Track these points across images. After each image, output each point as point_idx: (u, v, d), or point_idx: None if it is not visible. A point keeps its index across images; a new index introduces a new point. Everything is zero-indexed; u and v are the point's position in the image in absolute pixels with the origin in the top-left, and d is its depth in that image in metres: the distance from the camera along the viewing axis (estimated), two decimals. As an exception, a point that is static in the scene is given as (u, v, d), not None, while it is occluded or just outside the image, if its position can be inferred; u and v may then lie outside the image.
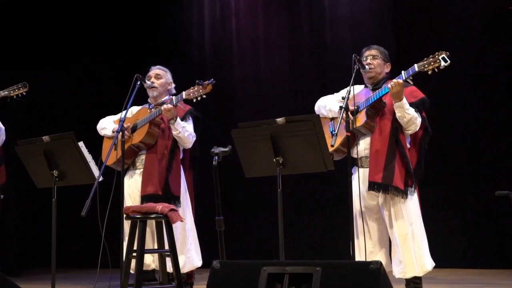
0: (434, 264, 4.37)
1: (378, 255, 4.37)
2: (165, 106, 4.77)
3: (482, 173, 6.53)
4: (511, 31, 6.53)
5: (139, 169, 4.95)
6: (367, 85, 4.55)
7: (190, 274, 5.04)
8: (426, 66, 4.17)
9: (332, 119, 4.53)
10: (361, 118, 4.31)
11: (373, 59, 4.48)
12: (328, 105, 4.55)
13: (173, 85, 5.14)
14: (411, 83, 4.36)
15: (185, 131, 4.86)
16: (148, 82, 5.00)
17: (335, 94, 4.63)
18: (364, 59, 4.49)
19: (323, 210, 6.93)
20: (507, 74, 6.56)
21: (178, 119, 4.84)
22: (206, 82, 4.65)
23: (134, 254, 4.18)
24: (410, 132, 4.36)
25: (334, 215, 6.73)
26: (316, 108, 4.64)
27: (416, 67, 4.20)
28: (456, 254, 6.59)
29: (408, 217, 4.30)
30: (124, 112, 4.47)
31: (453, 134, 6.69)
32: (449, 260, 6.39)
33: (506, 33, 6.55)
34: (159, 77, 5.06)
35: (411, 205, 4.33)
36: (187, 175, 5.05)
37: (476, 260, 6.53)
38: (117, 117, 5.01)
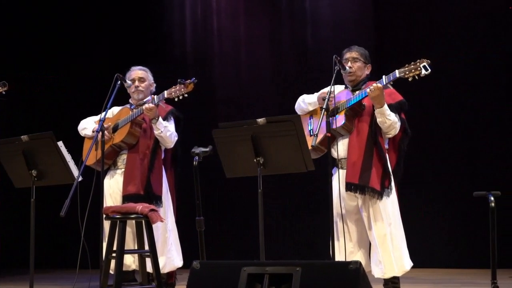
0: (412, 264, 4.39)
1: (358, 256, 4.38)
2: (146, 105, 4.76)
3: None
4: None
5: (121, 168, 4.92)
6: (347, 86, 4.56)
7: (171, 275, 5.03)
8: (407, 72, 4.16)
9: (311, 116, 4.54)
10: (340, 120, 4.32)
11: (353, 62, 4.47)
12: (306, 98, 4.56)
13: (154, 85, 5.13)
14: (391, 87, 4.38)
15: (167, 130, 4.84)
16: (129, 82, 4.98)
17: (315, 94, 4.64)
18: (345, 61, 4.49)
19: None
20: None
21: (160, 118, 4.83)
22: (188, 81, 4.64)
23: (114, 254, 4.16)
24: (390, 136, 4.38)
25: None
26: (296, 105, 4.65)
27: (397, 73, 4.20)
28: (436, 254, 6.63)
29: (387, 217, 4.32)
30: (104, 112, 4.45)
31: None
32: (434, 260, 6.45)
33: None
34: (143, 80, 5.04)
35: (390, 206, 4.34)
36: (168, 175, 5.03)
37: (461, 259, 6.59)
38: (98, 117, 4.98)
